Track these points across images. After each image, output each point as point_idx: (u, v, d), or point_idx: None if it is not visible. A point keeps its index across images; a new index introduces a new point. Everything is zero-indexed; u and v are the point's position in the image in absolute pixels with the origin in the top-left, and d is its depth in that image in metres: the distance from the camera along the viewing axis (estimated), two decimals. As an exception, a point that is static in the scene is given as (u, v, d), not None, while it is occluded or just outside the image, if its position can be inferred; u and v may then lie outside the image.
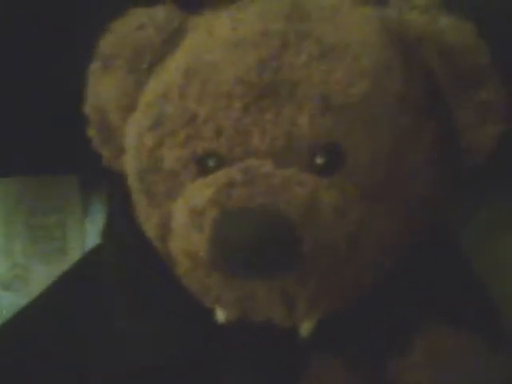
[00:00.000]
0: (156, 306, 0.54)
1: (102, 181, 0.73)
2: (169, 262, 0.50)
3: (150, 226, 0.51)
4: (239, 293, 0.46)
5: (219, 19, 0.51)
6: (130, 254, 0.56)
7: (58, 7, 0.67)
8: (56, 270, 0.69)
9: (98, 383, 0.55)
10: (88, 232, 0.76)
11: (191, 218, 0.46)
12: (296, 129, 0.46)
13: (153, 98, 0.51)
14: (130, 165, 0.52)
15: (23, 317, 0.62)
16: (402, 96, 0.48)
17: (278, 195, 0.44)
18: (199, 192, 0.46)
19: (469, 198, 0.63)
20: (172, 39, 0.52)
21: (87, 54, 0.54)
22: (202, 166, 0.48)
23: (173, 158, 0.49)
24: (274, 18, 0.49)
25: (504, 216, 0.65)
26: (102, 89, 0.53)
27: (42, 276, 0.74)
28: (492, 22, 0.52)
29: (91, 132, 0.55)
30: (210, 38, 0.50)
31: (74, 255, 0.74)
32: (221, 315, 0.49)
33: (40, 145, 0.71)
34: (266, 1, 0.51)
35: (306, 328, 0.48)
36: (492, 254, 0.61)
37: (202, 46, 0.50)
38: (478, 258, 0.55)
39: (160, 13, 0.53)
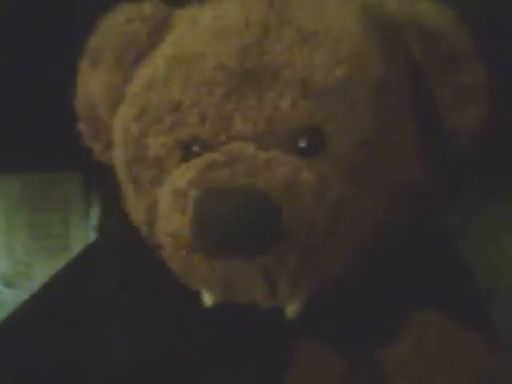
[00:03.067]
0: (148, 292, 0.55)
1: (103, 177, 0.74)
2: (154, 248, 0.50)
3: (137, 214, 0.52)
4: (221, 273, 0.46)
5: (203, 10, 0.52)
6: (123, 246, 0.57)
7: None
8: (58, 267, 0.69)
9: (97, 374, 0.56)
10: (90, 229, 0.77)
11: (174, 200, 0.47)
12: (278, 113, 0.47)
13: (138, 88, 0.52)
14: (117, 156, 0.53)
15: (22, 313, 0.62)
16: (382, 80, 0.48)
17: (258, 175, 0.45)
18: (182, 175, 0.47)
19: (469, 199, 0.64)
20: (157, 32, 0.53)
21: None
22: (187, 152, 0.49)
23: (158, 145, 0.50)
24: (256, 6, 0.50)
25: (504, 216, 0.65)
26: (90, 84, 0.55)
27: (44, 273, 0.73)
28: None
29: (81, 126, 0.57)
30: (193, 28, 0.51)
31: (77, 252, 0.74)
32: (207, 298, 0.49)
33: (42, 141, 0.72)
34: None
35: (291, 310, 0.49)
36: (492, 254, 0.62)
37: (186, 35, 0.51)
38: (478, 257, 0.56)
39: (146, 7, 0.54)
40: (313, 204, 0.45)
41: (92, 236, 0.76)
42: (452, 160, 0.52)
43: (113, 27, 0.54)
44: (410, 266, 0.51)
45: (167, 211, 0.47)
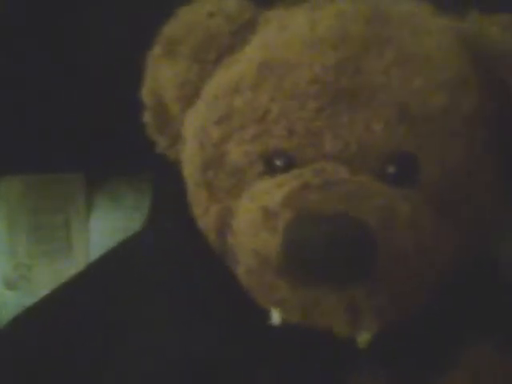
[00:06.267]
0: (201, 302, 0.52)
1: (107, 179, 0.73)
2: (225, 258, 0.49)
3: (207, 220, 0.50)
4: (305, 299, 0.45)
5: (294, 16, 0.50)
6: (175, 248, 0.54)
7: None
8: (60, 269, 0.70)
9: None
10: (92, 231, 0.74)
11: (263, 219, 0.44)
12: (370, 135, 0.45)
13: (221, 91, 0.49)
14: (191, 157, 0.51)
15: (33, 314, 0.59)
16: (477, 111, 0.47)
17: (354, 202, 0.43)
18: (270, 191, 0.45)
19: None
20: (242, 31, 0.50)
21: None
22: (270, 164, 0.47)
23: (239, 154, 0.47)
24: (354, 20, 0.48)
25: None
26: (162, 75, 0.52)
27: (46, 275, 0.72)
28: None
29: (147, 118, 0.54)
30: (285, 35, 0.49)
31: (79, 255, 0.73)
32: (276, 317, 0.47)
33: (44, 143, 0.69)
34: (343, 1, 0.50)
35: (364, 339, 0.47)
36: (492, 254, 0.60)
37: (277, 41, 0.49)
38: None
39: (231, 3, 0.51)
40: (407, 236, 0.44)
41: (94, 239, 0.74)
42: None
43: (193, 19, 0.51)
44: (472, 294, 0.51)
45: (254, 228, 0.45)
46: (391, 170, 0.46)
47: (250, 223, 0.46)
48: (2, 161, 0.69)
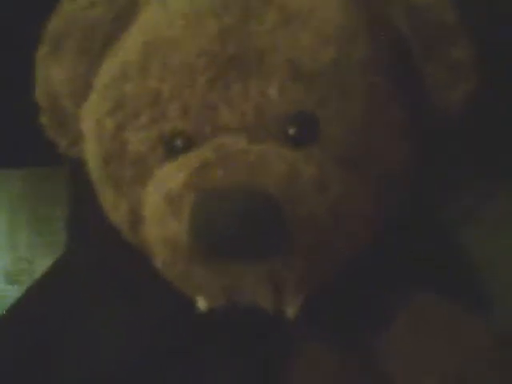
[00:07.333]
0: (133, 297, 0.52)
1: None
2: (143, 251, 0.47)
3: (118, 215, 0.49)
4: (224, 279, 0.44)
5: None
6: (99, 247, 0.53)
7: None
8: None
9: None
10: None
11: (167, 205, 0.43)
12: (266, 100, 0.44)
13: (110, 79, 0.48)
14: (90, 152, 0.49)
15: None
16: (370, 60, 0.46)
17: (255, 172, 0.42)
18: (171, 176, 0.44)
19: (469, 197, 0.62)
20: (123, 15, 0.49)
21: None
22: (170, 147, 0.46)
23: (138, 141, 0.46)
24: None
25: (504, 215, 0.64)
26: (52, 73, 0.50)
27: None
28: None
29: (44, 120, 0.52)
30: (165, 12, 0.47)
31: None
32: (202, 303, 0.46)
33: (42, 135, 0.70)
34: None
35: (291, 311, 0.46)
36: (491, 252, 0.60)
37: (158, 20, 0.47)
38: (478, 256, 0.54)
39: None
40: (315, 198, 0.43)
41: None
42: (437, 137, 0.51)
43: (74, 12, 0.50)
44: (407, 254, 0.50)
45: (160, 216, 0.44)
46: (292, 131, 0.44)
47: (155, 211, 0.45)
48: (1, 154, 0.69)
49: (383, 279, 0.48)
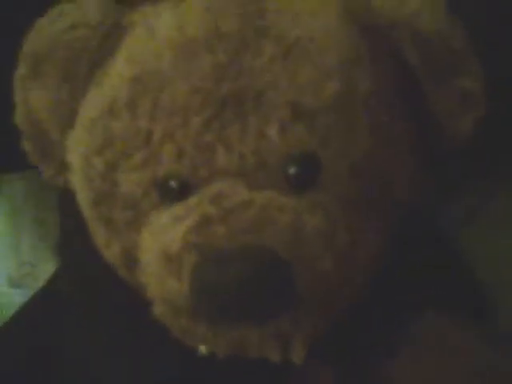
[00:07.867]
0: (126, 337, 0.50)
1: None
2: (138, 290, 0.45)
3: (111, 254, 0.46)
4: (228, 339, 0.42)
5: (160, 15, 0.44)
6: (88, 280, 0.51)
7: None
8: None
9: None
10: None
11: (165, 263, 0.41)
12: (265, 142, 0.41)
13: (97, 114, 0.44)
14: (79, 189, 0.46)
15: None
16: (374, 91, 0.43)
17: (259, 228, 0.39)
18: (168, 229, 0.41)
19: (469, 197, 0.61)
20: (108, 40, 0.45)
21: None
22: (164, 190, 0.43)
23: (130, 183, 0.43)
24: (225, 13, 0.43)
25: (504, 215, 0.62)
26: (32, 97, 0.46)
27: (51, 272, 0.69)
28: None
29: (27, 146, 0.48)
30: (153, 40, 0.44)
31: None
32: (203, 349, 0.44)
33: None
34: None
35: (299, 357, 0.44)
36: (492, 252, 0.59)
37: (145, 50, 0.44)
38: (478, 256, 0.53)
39: (92, 9, 0.46)
40: (322, 253, 0.41)
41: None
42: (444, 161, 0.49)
43: (54, 33, 0.46)
44: (407, 268, 0.48)
45: (158, 274, 0.42)
46: (292, 171, 0.42)
47: (154, 269, 0.42)
48: (4, 158, 0.66)
49: (385, 300, 0.47)
